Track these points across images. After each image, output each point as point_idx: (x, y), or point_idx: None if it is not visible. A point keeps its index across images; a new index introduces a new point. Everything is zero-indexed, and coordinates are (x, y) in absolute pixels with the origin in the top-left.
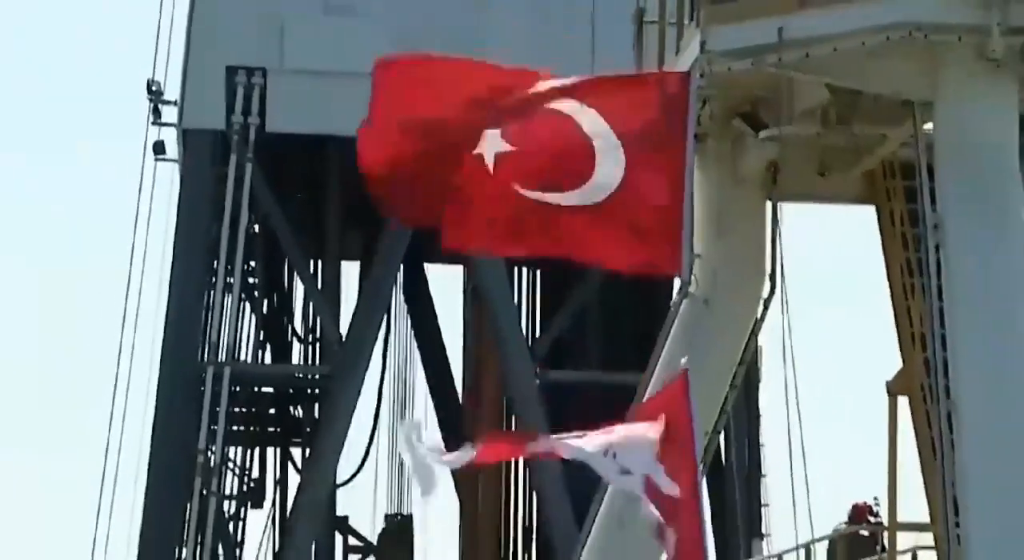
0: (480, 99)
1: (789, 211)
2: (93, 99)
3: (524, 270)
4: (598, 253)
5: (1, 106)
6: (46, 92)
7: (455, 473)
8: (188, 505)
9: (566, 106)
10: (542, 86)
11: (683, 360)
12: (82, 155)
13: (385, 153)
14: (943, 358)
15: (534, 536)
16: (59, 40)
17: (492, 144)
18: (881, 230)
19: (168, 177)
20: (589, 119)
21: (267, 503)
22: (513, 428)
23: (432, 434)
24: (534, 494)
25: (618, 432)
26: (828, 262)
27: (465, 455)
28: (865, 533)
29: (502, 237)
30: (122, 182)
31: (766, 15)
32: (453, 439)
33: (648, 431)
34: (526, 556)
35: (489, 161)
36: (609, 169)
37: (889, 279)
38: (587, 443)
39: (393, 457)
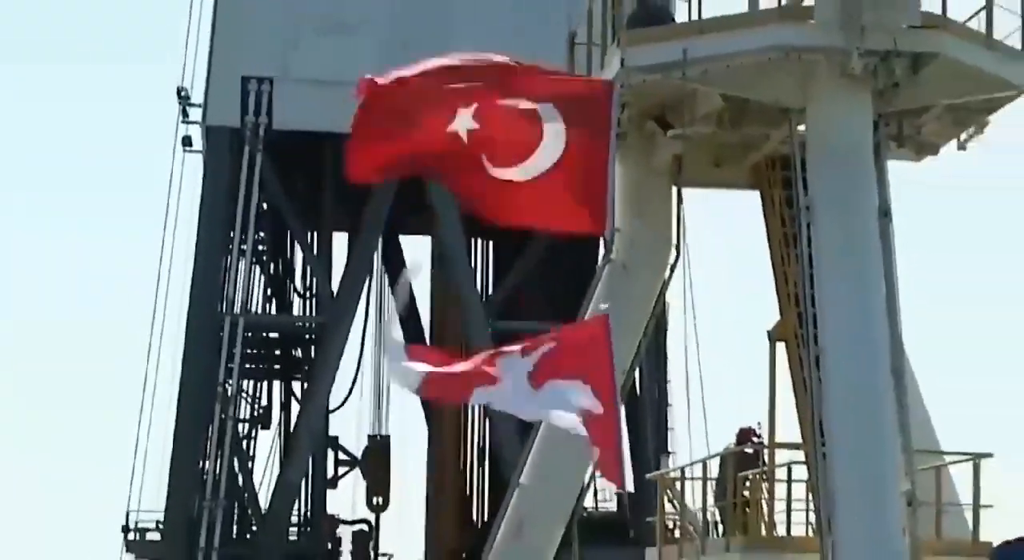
0: (454, 83)
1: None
2: (131, 99)
3: (479, 240)
4: (539, 219)
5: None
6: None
7: (424, 402)
8: (210, 426)
9: (534, 104)
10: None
11: (603, 306)
12: (125, 148)
13: (372, 163)
14: (812, 313)
15: (487, 454)
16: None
17: (464, 122)
18: (764, 211)
19: (194, 165)
20: (545, 109)
21: (273, 426)
22: None
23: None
24: (487, 419)
25: (552, 363)
26: (727, 237)
27: (419, 376)
28: (749, 451)
29: (484, 203)
30: (158, 169)
31: (673, 39)
32: None
33: (577, 364)
34: (480, 470)
35: (463, 136)
36: (551, 151)
37: (770, 249)
38: (523, 383)
39: (375, 388)
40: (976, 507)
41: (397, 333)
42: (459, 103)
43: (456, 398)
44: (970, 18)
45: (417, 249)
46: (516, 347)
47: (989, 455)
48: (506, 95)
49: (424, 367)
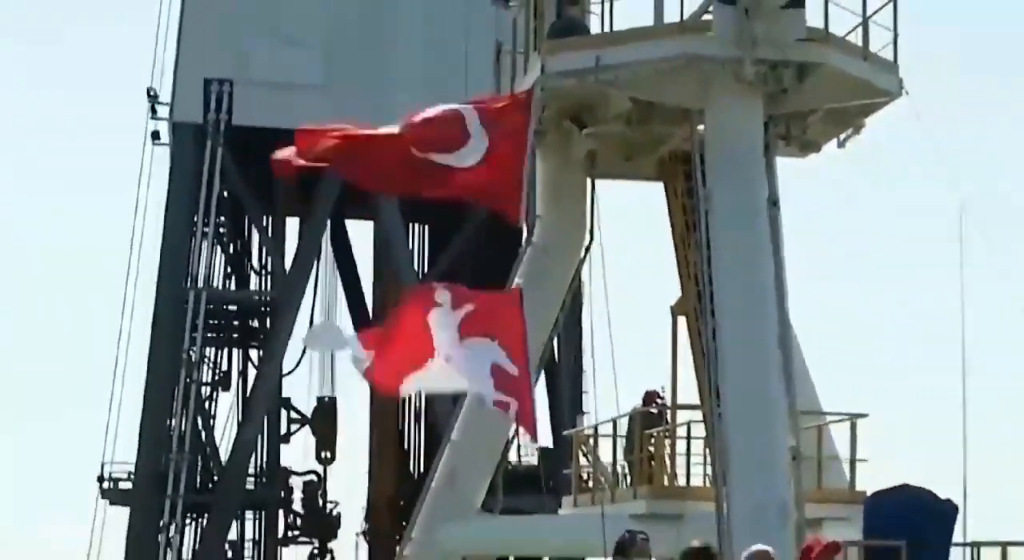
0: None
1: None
2: (104, 103)
3: (416, 225)
4: (473, 192)
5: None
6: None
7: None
8: (176, 388)
9: (459, 109)
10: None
11: (517, 281)
12: (99, 144)
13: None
14: (709, 290)
15: (423, 413)
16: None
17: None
18: (668, 200)
19: (162, 157)
20: (469, 113)
21: (232, 388)
22: None
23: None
24: None
25: (473, 321)
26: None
27: (364, 361)
28: (654, 411)
29: (403, 182)
30: (129, 161)
31: (587, 48)
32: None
33: (494, 327)
34: (417, 427)
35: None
36: (477, 145)
37: (673, 234)
38: (452, 359)
39: (323, 355)
40: (853, 461)
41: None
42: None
43: (392, 390)
44: (849, 33)
45: (361, 232)
46: (448, 298)
47: (864, 415)
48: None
49: (369, 355)
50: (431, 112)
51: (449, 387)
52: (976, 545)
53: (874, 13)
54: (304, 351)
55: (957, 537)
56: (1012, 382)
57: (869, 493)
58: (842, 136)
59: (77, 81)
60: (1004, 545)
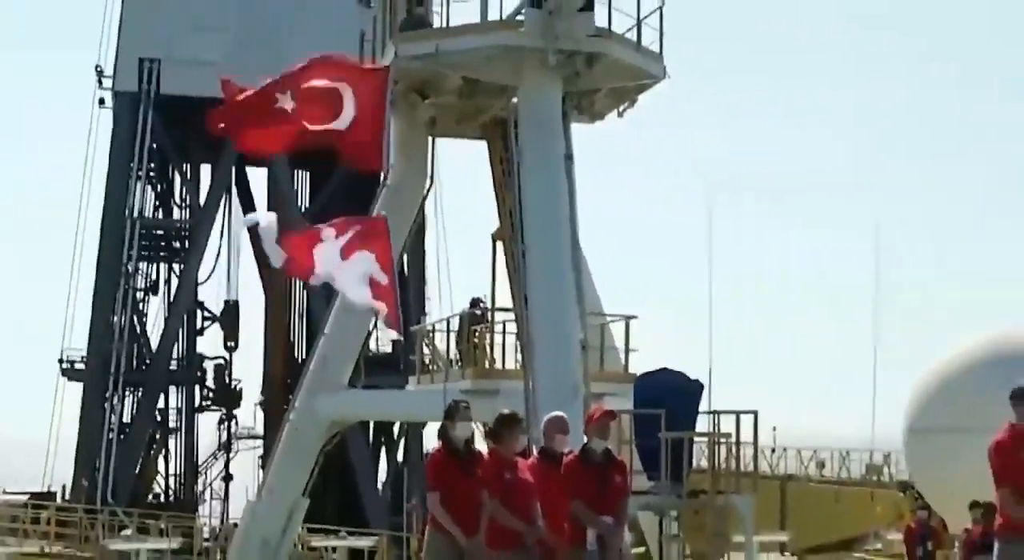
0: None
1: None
2: (62, 73)
3: (300, 171)
4: (343, 157)
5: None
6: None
7: (262, 278)
8: (117, 293)
9: (335, 84)
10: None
11: (382, 211)
12: (56, 107)
13: (234, 122)
14: (520, 221)
15: (305, 312)
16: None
17: (286, 102)
18: (490, 154)
19: (107, 118)
20: (343, 87)
21: (160, 293)
22: None
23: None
24: (305, 289)
25: (356, 239)
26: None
27: (282, 258)
28: (478, 312)
29: (293, 143)
30: (81, 121)
31: (430, 39)
32: (263, 266)
33: (370, 243)
34: (300, 323)
35: (288, 110)
36: (348, 114)
37: (493, 180)
38: (336, 264)
39: (228, 269)
40: (627, 350)
41: (272, 227)
42: (278, 91)
43: (304, 277)
44: (627, 31)
45: (258, 175)
46: (332, 233)
47: (635, 317)
48: (311, 79)
49: (283, 254)
50: (316, 82)
51: (335, 285)
52: (716, 413)
53: (646, 17)
54: (215, 265)
55: (703, 407)
56: (750, 291)
57: (638, 374)
58: (621, 108)
59: (42, 62)
60: (738, 413)
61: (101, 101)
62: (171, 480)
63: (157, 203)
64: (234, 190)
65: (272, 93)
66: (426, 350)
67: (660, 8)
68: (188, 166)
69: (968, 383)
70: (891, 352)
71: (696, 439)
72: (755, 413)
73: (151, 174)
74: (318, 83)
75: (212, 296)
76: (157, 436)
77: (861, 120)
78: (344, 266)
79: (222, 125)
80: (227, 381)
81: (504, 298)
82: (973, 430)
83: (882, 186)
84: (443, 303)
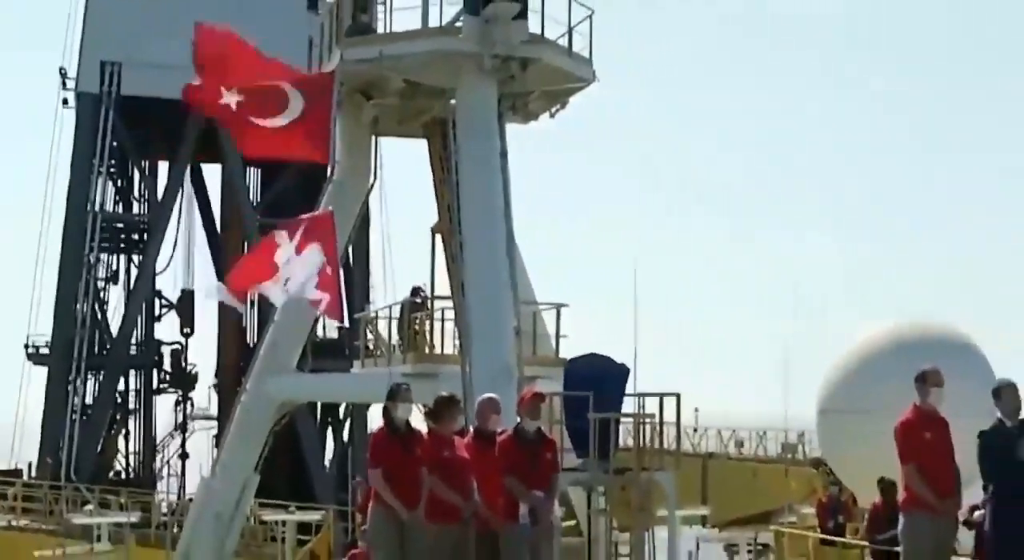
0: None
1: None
2: (29, 74)
3: (251, 168)
4: (291, 150)
5: None
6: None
7: (216, 266)
8: (80, 282)
9: (283, 84)
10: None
11: (329, 205)
12: (26, 104)
13: (205, 98)
14: (458, 216)
15: (257, 300)
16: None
17: (232, 98)
18: (430, 152)
19: (70, 117)
20: (289, 87)
21: (120, 283)
22: (245, 249)
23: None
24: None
25: (306, 234)
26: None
27: (223, 291)
28: (419, 300)
29: (247, 142)
30: (46, 120)
31: (373, 44)
32: (218, 257)
33: (317, 237)
34: (252, 310)
35: (232, 106)
36: (295, 109)
37: (433, 176)
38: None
39: (185, 259)
40: (557, 336)
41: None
42: (224, 85)
43: (242, 297)
44: (559, 37)
45: (212, 172)
46: (285, 236)
47: (566, 305)
48: (263, 79)
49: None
50: (265, 82)
51: (279, 300)
52: (641, 395)
53: (577, 24)
54: (172, 256)
55: (629, 390)
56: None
57: (568, 359)
58: (553, 109)
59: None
60: (661, 396)
61: (65, 101)
62: (131, 458)
63: (117, 198)
64: (189, 185)
65: (217, 87)
66: (370, 336)
67: (590, 16)
68: (147, 163)
69: (875, 368)
70: (804, 339)
71: (622, 420)
72: (677, 396)
73: (112, 170)
74: (265, 82)
75: (169, 285)
76: (117, 417)
77: (782, 119)
78: (297, 261)
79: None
80: (183, 365)
81: (443, 287)
82: (880, 411)
83: (801, 182)
84: (386, 292)
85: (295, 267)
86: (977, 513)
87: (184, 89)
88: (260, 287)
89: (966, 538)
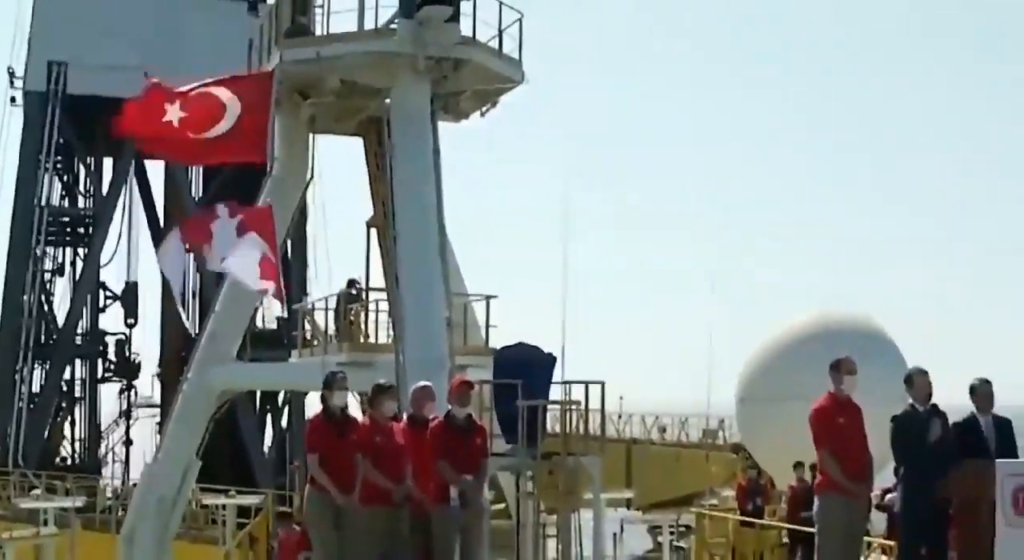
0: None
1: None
2: None
3: (193, 169)
4: (228, 156)
5: None
6: None
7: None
8: (26, 276)
9: (219, 92)
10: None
11: (268, 199)
12: None
13: (137, 126)
14: (392, 210)
15: (199, 291)
16: None
17: (174, 114)
18: (365, 148)
19: (18, 115)
20: (227, 95)
21: (66, 275)
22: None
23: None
24: (199, 273)
25: (247, 222)
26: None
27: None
28: (354, 292)
29: (185, 156)
30: None
31: (311, 45)
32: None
33: (259, 230)
34: (194, 302)
35: (175, 121)
36: (231, 118)
37: (368, 172)
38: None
39: (128, 252)
40: (487, 326)
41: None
42: (167, 102)
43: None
44: (489, 40)
45: (156, 167)
46: (226, 211)
47: (495, 296)
48: (203, 88)
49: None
50: (196, 98)
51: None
52: (568, 383)
53: (507, 27)
54: (116, 249)
55: (557, 378)
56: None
57: (498, 348)
58: (484, 108)
59: None
60: (587, 383)
61: (13, 100)
62: (76, 445)
63: (64, 193)
64: (134, 181)
65: (162, 104)
66: (307, 326)
67: (520, 19)
68: (92, 159)
69: (791, 357)
70: (724, 330)
71: (549, 406)
72: (602, 384)
73: (58, 166)
74: (203, 92)
75: (114, 277)
76: (63, 405)
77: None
78: (238, 244)
79: (127, 128)
80: (127, 355)
81: (378, 279)
82: (796, 398)
83: (726, 181)
84: (323, 284)
85: (235, 250)
86: (889, 496)
87: (117, 120)
88: (199, 248)
89: (879, 520)
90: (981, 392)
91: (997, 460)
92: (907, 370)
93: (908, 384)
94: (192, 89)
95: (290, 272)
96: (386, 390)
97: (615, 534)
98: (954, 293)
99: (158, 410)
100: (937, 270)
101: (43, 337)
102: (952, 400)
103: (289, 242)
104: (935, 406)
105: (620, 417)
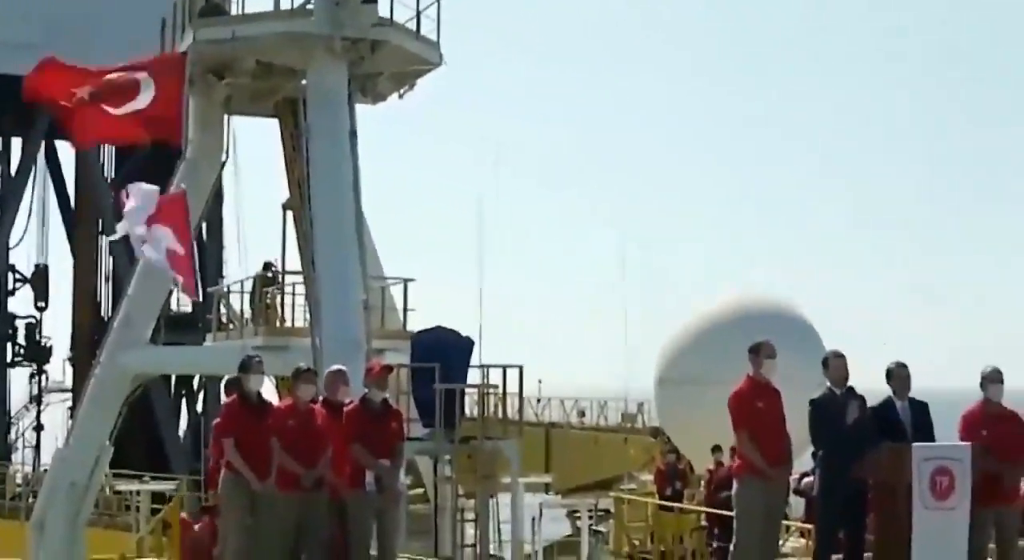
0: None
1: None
2: None
3: (105, 149)
4: (143, 135)
5: None
6: None
7: (70, 243)
8: None
9: (137, 74)
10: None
11: (182, 186)
12: None
13: (48, 92)
14: (308, 193)
15: (112, 275)
16: None
17: (85, 91)
18: (281, 130)
19: None
20: (141, 74)
21: None
22: (100, 226)
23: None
24: (111, 254)
25: (156, 213)
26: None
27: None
28: (270, 275)
29: (95, 132)
30: None
31: (226, 25)
32: (72, 233)
33: (167, 218)
34: (107, 285)
35: (85, 96)
36: (146, 96)
37: (284, 154)
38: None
39: (39, 234)
40: (405, 310)
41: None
42: (77, 85)
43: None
44: (407, 21)
45: (66, 148)
46: (140, 192)
47: (413, 279)
48: (114, 72)
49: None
50: (114, 77)
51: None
52: (486, 367)
53: (425, 8)
54: (25, 230)
55: (475, 362)
56: (519, 257)
57: (415, 332)
58: (402, 91)
59: None
60: (505, 367)
61: None
62: None
63: None
64: (43, 162)
65: (70, 80)
66: (223, 310)
67: (438, 1)
68: (0, 139)
69: (710, 340)
70: (641, 313)
71: (467, 390)
72: (520, 367)
73: None
74: (114, 77)
75: (23, 259)
76: None
77: (622, 103)
78: (147, 235)
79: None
80: (37, 339)
81: (294, 262)
82: (715, 381)
83: (647, 165)
84: (239, 267)
85: (148, 236)
86: (805, 480)
87: (26, 80)
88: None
89: (797, 504)
90: (897, 375)
91: (913, 443)
92: (824, 353)
93: (824, 367)
94: (102, 71)
95: (206, 255)
96: (304, 373)
97: (533, 518)
98: (876, 284)
99: (70, 395)
100: (863, 261)
101: None
102: (873, 385)
103: (204, 224)
104: (851, 388)
105: (539, 401)
